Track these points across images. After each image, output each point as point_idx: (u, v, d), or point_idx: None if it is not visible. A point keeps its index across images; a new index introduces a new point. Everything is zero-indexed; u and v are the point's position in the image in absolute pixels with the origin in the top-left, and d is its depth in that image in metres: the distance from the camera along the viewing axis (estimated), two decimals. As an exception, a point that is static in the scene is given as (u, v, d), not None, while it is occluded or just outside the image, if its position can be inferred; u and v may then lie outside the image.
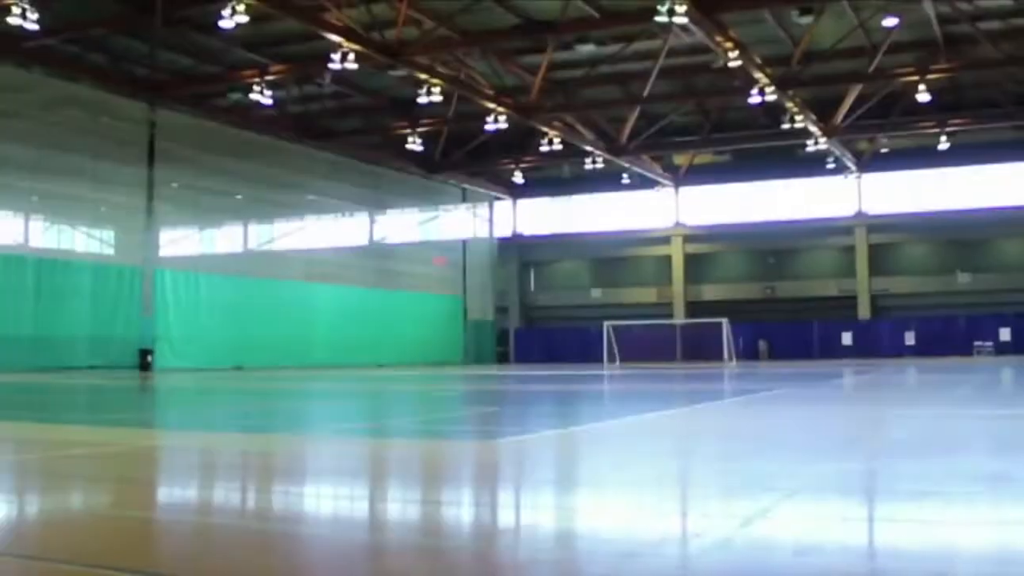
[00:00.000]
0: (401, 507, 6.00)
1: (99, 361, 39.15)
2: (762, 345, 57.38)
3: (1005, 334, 53.61)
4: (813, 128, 44.45)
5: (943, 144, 47.72)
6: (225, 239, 51.61)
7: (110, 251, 44.85)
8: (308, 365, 45.89)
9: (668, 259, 61.15)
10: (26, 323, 37.18)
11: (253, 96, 39.52)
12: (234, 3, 29.88)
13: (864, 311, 56.93)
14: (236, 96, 44.58)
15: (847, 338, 56.20)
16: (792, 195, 58.18)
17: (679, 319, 58.64)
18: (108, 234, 45.56)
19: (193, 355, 42.09)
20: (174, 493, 6.66)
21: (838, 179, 54.63)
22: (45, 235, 43.26)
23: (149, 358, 40.49)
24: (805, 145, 47.29)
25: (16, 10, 30.18)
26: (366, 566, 4.35)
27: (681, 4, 29.20)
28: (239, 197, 47.61)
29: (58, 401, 18.79)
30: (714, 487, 6.48)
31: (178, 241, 48.21)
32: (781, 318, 58.14)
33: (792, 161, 54.12)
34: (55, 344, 37.99)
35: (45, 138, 37.52)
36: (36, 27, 31.17)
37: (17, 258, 37.94)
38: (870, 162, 54.45)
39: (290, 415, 15.44)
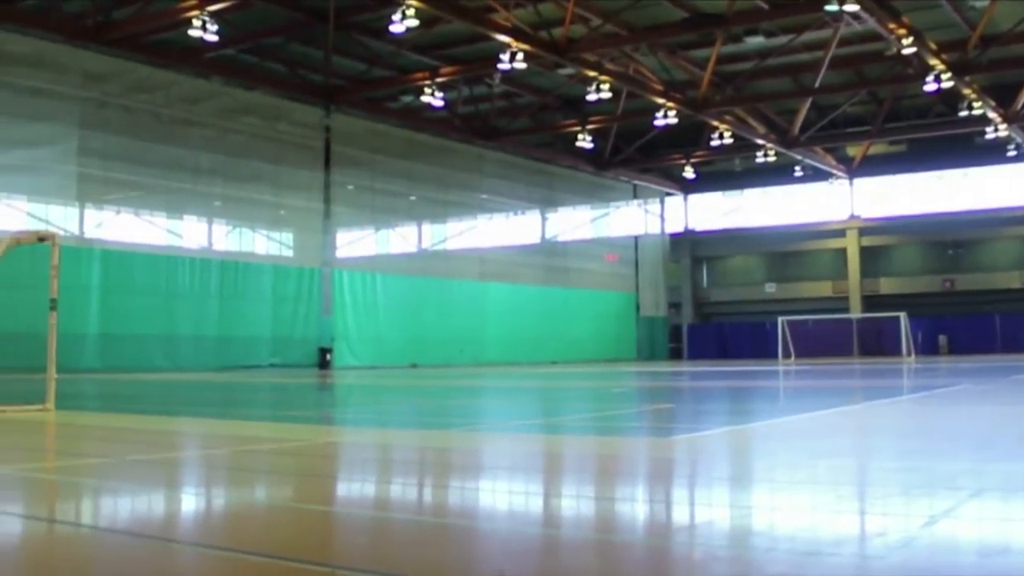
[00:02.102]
0: (576, 503, 6.03)
1: (280, 360, 40.33)
2: (942, 339, 55.67)
3: None
4: (992, 115, 43.09)
5: None
6: (399, 239, 52.55)
7: (289, 253, 46.08)
8: (482, 362, 46.43)
9: (843, 252, 59.88)
10: (211, 323, 38.54)
11: (424, 98, 40.22)
12: (404, 7, 30.47)
13: (1050, 303, 54.77)
14: (407, 98, 45.38)
15: (1031, 332, 54.05)
16: (971, 184, 56.25)
17: (855, 313, 57.35)
18: (287, 236, 46.82)
19: (370, 353, 43.02)
20: (353, 488, 6.81)
21: (1020, 166, 52.70)
22: (228, 238, 44.69)
23: (328, 356, 41.53)
24: (984, 132, 45.89)
25: (196, 23, 31.38)
26: (542, 561, 4.38)
27: (853, -9, 28.70)
28: (412, 198, 48.40)
29: (242, 398, 19.35)
30: (894, 486, 6.33)
31: (354, 242, 49.28)
32: (961, 311, 56.35)
33: (971, 149, 52.57)
34: (238, 343, 39.27)
35: (226, 145, 38.90)
36: (215, 38, 32.34)
37: (202, 261, 39.28)
38: (1054, 148, 52.39)
39: (465, 411, 15.62)
